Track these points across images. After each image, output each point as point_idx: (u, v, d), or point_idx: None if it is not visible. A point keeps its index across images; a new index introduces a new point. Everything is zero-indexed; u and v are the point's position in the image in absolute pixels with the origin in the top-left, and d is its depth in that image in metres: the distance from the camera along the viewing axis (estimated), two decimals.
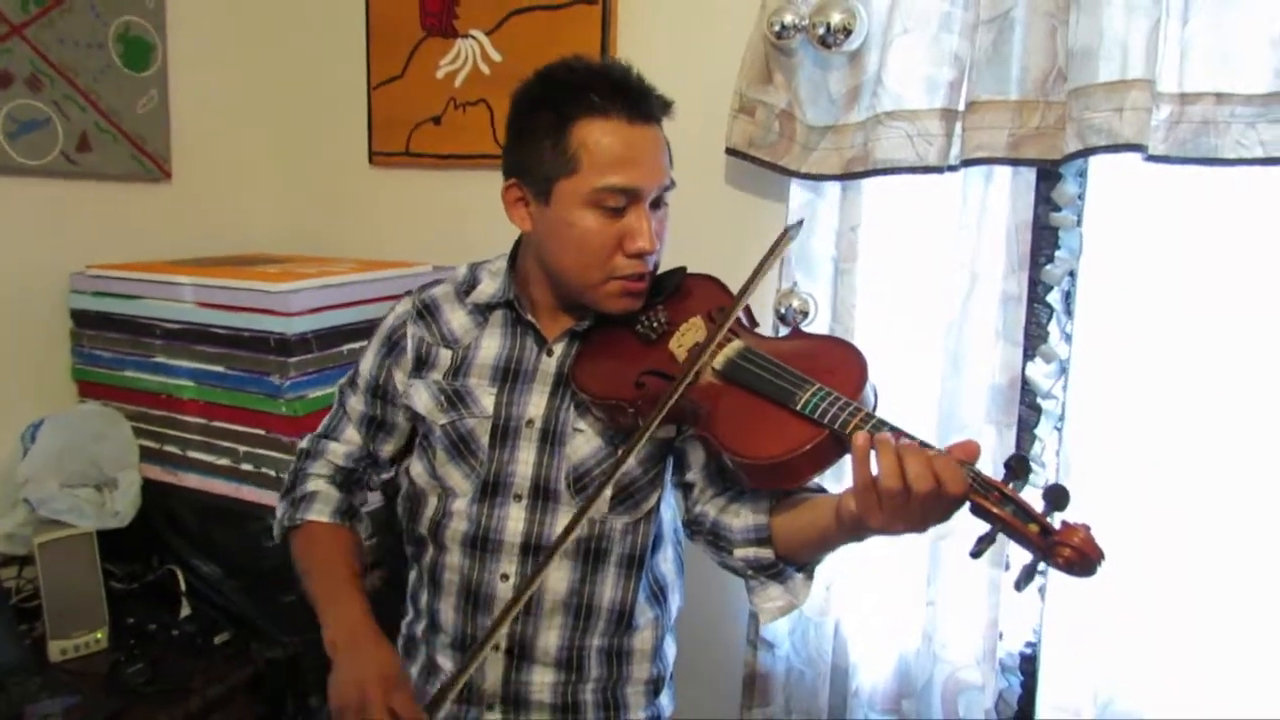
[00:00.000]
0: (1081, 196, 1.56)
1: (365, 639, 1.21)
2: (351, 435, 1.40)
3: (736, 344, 1.17)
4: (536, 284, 1.29)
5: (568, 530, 1.12)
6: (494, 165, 1.98)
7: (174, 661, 1.63)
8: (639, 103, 1.17)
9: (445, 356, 1.33)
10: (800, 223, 1.36)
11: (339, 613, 1.25)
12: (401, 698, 1.12)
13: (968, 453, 0.96)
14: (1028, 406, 1.63)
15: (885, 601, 1.75)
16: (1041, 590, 1.62)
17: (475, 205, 2.07)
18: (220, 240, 2.23)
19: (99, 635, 1.66)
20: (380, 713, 1.09)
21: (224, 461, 1.79)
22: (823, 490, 1.22)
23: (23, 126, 1.82)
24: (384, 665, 1.16)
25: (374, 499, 1.51)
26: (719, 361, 1.16)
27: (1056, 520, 0.91)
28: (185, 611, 1.76)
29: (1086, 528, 0.89)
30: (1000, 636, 1.65)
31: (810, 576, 1.18)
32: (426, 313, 1.36)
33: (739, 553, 1.17)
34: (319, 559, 1.34)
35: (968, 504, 0.94)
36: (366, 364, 1.39)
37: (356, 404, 1.40)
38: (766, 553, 1.15)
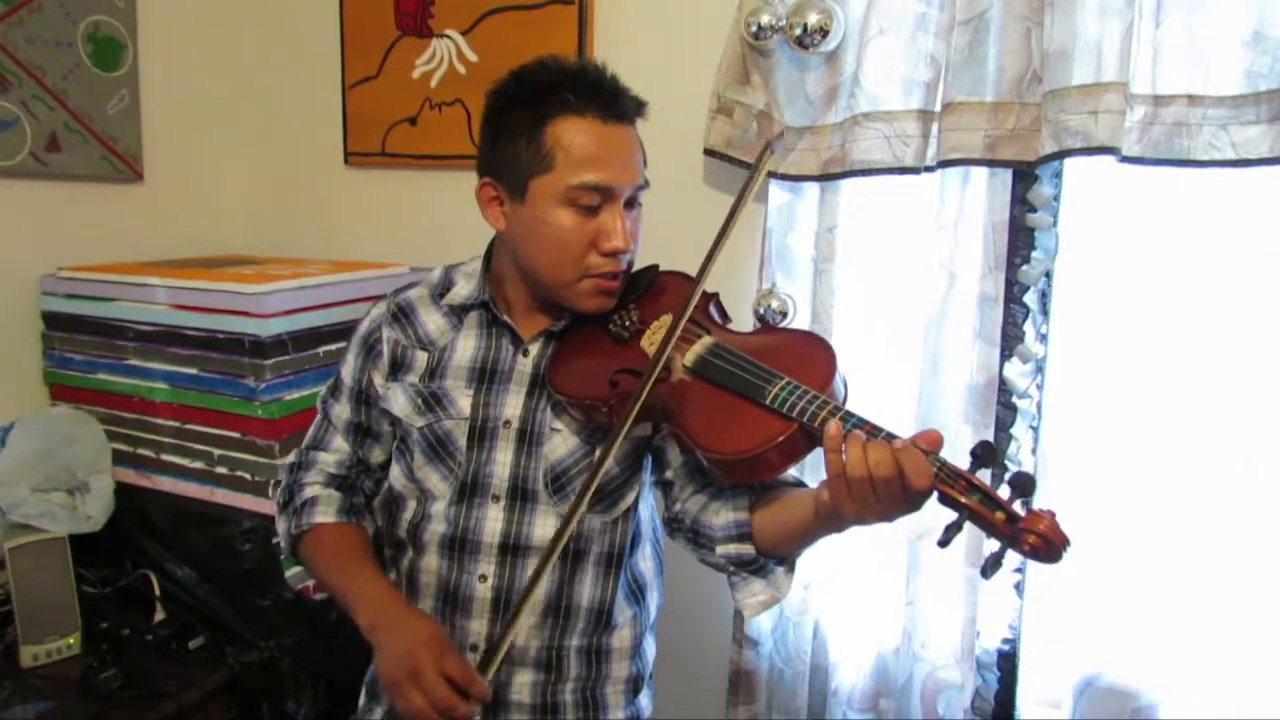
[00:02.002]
0: (1057, 198, 1.58)
1: (400, 613, 1.21)
2: (340, 444, 1.39)
3: (707, 340, 1.18)
4: (511, 284, 1.29)
5: (558, 536, 1.13)
6: (470, 166, 1.97)
7: (148, 666, 1.62)
8: (614, 102, 1.17)
9: (421, 359, 1.32)
10: (781, 135, 1.34)
11: (366, 596, 1.23)
12: (452, 659, 1.11)
13: (930, 441, 0.97)
14: (1004, 406, 1.64)
15: (864, 601, 1.75)
16: (1019, 587, 1.64)
17: (452, 206, 2.06)
18: (193, 241, 2.21)
19: (71, 640, 1.65)
20: (434, 677, 1.08)
21: (198, 465, 1.78)
22: (801, 484, 1.22)
23: None
24: (427, 631, 1.16)
25: None
26: (689, 358, 1.16)
27: (1023, 508, 0.92)
28: (159, 616, 1.75)
29: (1052, 514, 0.90)
30: (977, 635, 1.66)
31: (791, 569, 1.18)
32: (402, 315, 1.35)
33: (720, 550, 1.17)
34: (333, 555, 1.32)
35: (935, 492, 0.95)
36: (347, 371, 1.38)
37: (341, 412, 1.38)
38: (748, 549, 1.16)
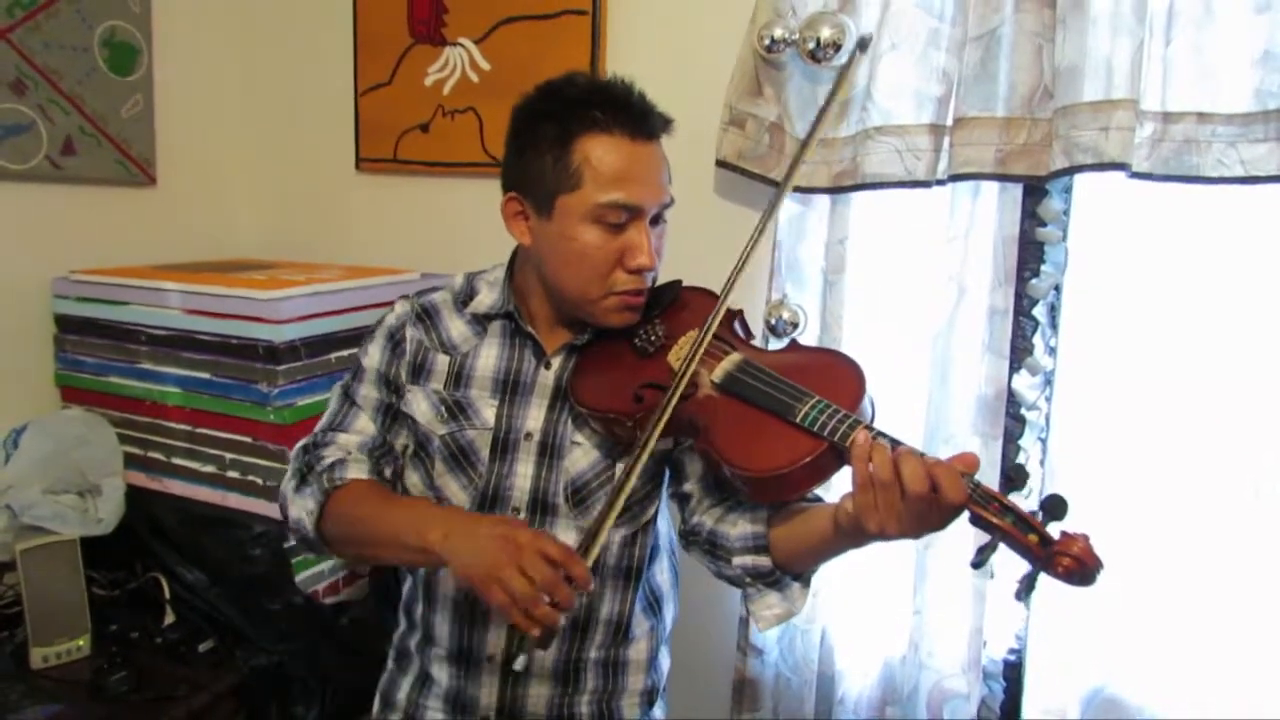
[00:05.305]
0: (1067, 212, 1.59)
1: (474, 514, 1.20)
2: (365, 425, 1.33)
3: (735, 357, 1.18)
4: (535, 296, 1.30)
5: (599, 526, 1.10)
6: (482, 173, 2.02)
7: (157, 669, 1.62)
8: (641, 120, 1.17)
9: (442, 363, 1.32)
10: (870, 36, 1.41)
11: (429, 514, 1.17)
12: (545, 537, 1.04)
13: (967, 464, 0.96)
14: (1013, 418, 1.65)
15: (872, 610, 1.76)
16: None
17: (463, 213, 2.08)
18: (206, 246, 2.22)
19: (81, 642, 1.65)
20: (533, 555, 1.01)
21: (209, 469, 1.78)
22: (820, 500, 1.23)
23: (7, 130, 1.80)
24: (508, 519, 1.15)
25: None
26: (717, 374, 1.16)
27: (1055, 530, 0.92)
28: (169, 619, 1.74)
29: (1086, 537, 0.90)
30: (984, 644, 1.67)
31: (807, 585, 1.18)
32: (425, 316, 1.35)
33: (737, 560, 1.17)
34: (376, 500, 1.23)
35: (967, 514, 0.95)
36: (372, 358, 1.34)
37: (369, 393, 1.34)
38: (764, 560, 1.15)
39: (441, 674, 1.32)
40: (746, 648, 1.82)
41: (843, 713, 1.78)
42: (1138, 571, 1.56)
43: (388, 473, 1.32)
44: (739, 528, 1.18)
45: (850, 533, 1.02)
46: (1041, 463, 1.63)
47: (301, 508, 1.27)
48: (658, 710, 1.39)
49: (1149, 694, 1.58)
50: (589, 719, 1.31)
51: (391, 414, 1.34)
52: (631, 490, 1.23)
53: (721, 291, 1.21)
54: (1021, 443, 1.66)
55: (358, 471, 1.27)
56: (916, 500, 0.94)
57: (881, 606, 1.75)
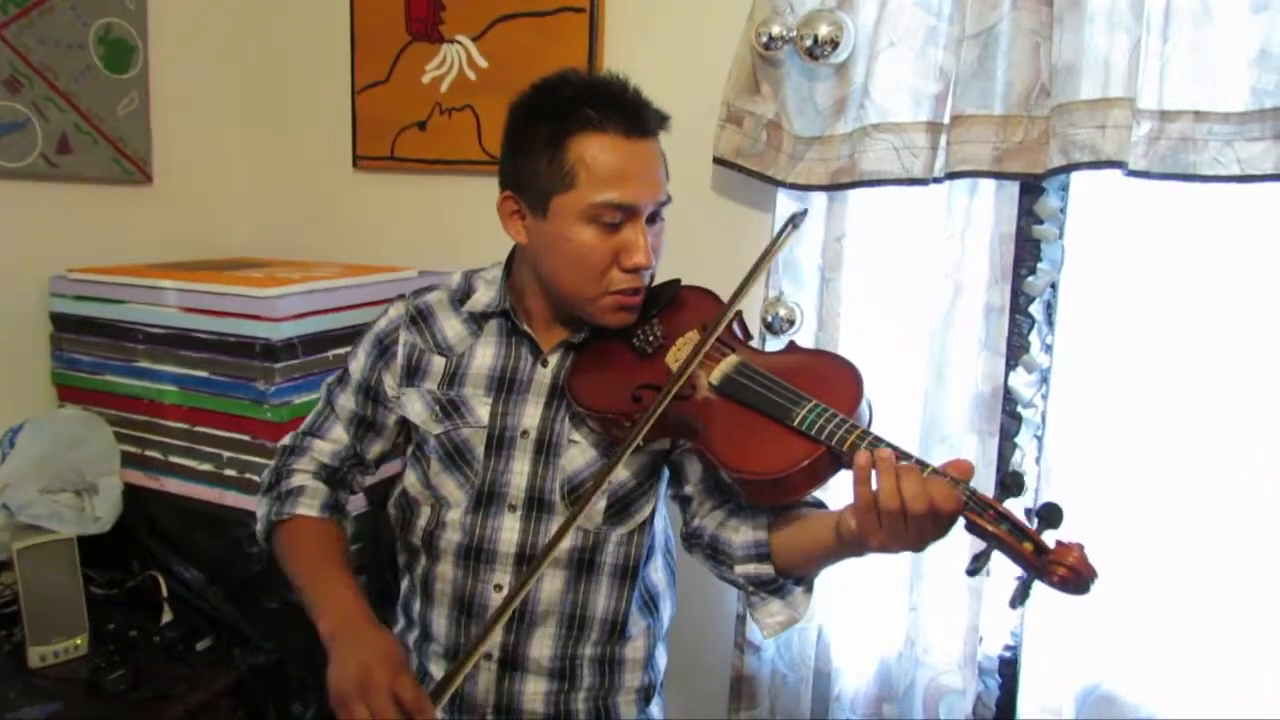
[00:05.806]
0: (1064, 210, 1.59)
1: (363, 624, 1.16)
2: (339, 434, 1.38)
3: (733, 359, 1.17)
4: (532, 295, 1.29)
5: (557, 537, 1.11)
6: (480, 171, 2.01)
7: (155, 668, 1.63)
8: (636, 118, 1.16)
9: (438, 364, 1.32)
10: (805, 212, 1.37)
11: (334, 602, 1.20)
12: (405, 680, 1.07)
13: (961, 471, 0.96)
14: (1009, 415, 1.66)
15: (867, 607, 1.77)
16: None
17: (460, 210, 2.08)
18: (202, 244, 2.21)
19: (79, 641, 1.65)
20: (383, 695, 1.04)
21: (207, 467, 1.78)
22: (821, 505, 1.23)
23: (1, 128, 1.80)
24: (385, 647, 1.12)
25: (356, 502, 1.50)
26: (715, 376, 1.16)
27: (1051, 538, 0.92)
28: (167, 617, 1.75)
29: (1081, 546, 0.90)
30: (980, 641, 1.67)
31: (809, 590, 1.18)
32: (420, 319, 1.35)
33: (739, 569, 1.17)
34: (308, 552, 1.30)
35: (962, 520, 0.95)
36: (356, 364, 1.38)
37: (346, 403, 1.38)
38: (766, 569, 1.16)
39: (438, 671, 1.32)
40: (744, 645, 1.82)
41: (839, 710, 1.79)
42: (1134, 568, 1.57)
43: (357, 483, 1.43)
44: (741, 534, 1.18)
45: (852, 545, 1.03)
46: (1038, 460, 1.63)
47: (262, 515, 1.37)
48: (655, 708, 1.39)
49: (1144, 691, 1.59)
50: (586, 716, 1.31)
51: (365, 425, 1.39)
52: (624, 490, 1.24)
53: (725, 305, 1.21)
54: (1018, 440, 1.67)
55: (308, 507, 1.34)
56: (919, 518, 0.94)
57: (877, 604, 1.75)
